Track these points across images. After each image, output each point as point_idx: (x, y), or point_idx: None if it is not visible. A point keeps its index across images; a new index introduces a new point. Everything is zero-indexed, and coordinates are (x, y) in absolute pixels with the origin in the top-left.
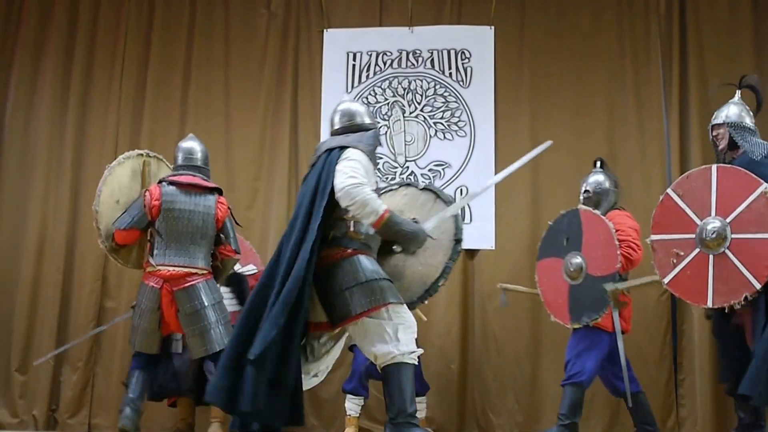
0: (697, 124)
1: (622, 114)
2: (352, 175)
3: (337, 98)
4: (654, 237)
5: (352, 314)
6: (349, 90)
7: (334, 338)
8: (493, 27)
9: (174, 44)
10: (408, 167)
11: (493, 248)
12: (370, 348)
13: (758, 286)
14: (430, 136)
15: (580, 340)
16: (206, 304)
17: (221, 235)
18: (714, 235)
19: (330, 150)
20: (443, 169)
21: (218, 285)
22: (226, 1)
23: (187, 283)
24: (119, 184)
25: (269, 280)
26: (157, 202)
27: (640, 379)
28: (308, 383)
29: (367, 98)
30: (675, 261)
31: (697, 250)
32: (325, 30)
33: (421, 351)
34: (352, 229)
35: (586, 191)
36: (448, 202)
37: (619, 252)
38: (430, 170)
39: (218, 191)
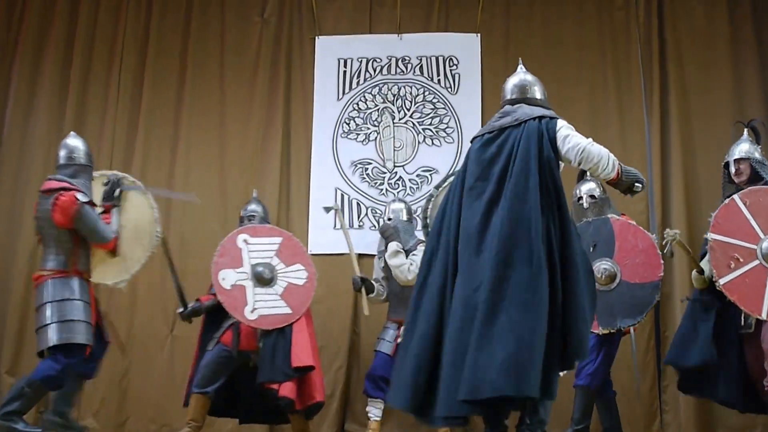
0: (677, 132)
1: (605, 121)
2: (581, 136)
3: (328, 103)
4: (714, 236)
5: None
6: (340, 96)
7: None
8: (479, 34)
9: (170, 51)
10: (396, 173)
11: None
12: None
13: None
14: (419, 141)
15: (595, 344)
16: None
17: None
18: None
19: (524, 121)
20: (431, 174)
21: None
22: (221, 9)
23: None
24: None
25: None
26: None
27: (624, 385)
28: None
29: (357, 104)
30: (733, 265)
31: (757, 262)
32: (316, 37)
33: None
34: None
35: (591, 196)
36: None
37: (662, 261)
38: (418, 176)
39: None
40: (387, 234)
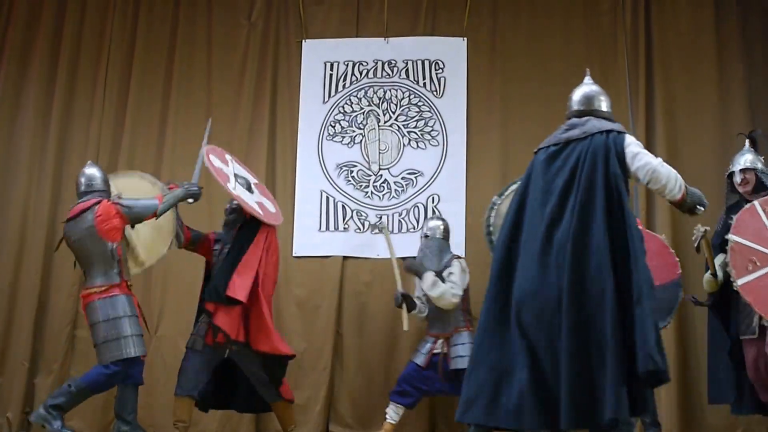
0: (663, 135)
1: None
2: (651, 155)
3: (314, 106)
4: (735, 238)
5: None
6: (326, 99)
7: None
8: (465, 39)
9: (157, 52)
10: (381, 175)
11: (463, 256)
12: None
13: None
14: (404, 144)
15: None
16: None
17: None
18: None
19: (591, 135)
20: (416, 177)
21: None
22: (209, 12)
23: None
24: None
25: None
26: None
27: None
28: None
29: (343, 107)
30: (751, 268)
31: None
32: (303, 40)
33: None
34: None
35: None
36: None
37: (677, 259)
38: (403, 178)
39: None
40: (415, 271)
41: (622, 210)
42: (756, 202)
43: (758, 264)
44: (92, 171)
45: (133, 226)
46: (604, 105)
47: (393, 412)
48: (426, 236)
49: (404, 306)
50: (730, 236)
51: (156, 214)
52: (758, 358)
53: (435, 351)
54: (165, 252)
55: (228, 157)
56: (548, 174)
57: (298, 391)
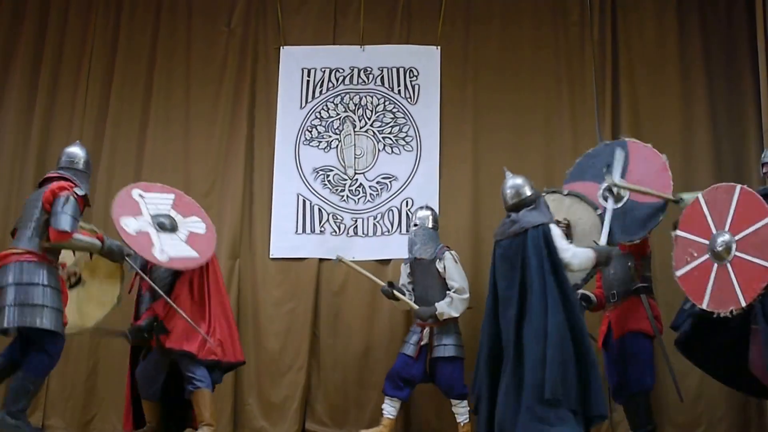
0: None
1: (558, 130)
2: (566, 247)
3: (291, 111)
4: (678, 232)
5: None
6: (303, 105)
7: None
8: (439, 47)
9: (138, 56)
10: (357, 179)
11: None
12: None
13: (744, 304)
14: (379, 150)
15: (634, 350)
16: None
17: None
18: (722, 248)
19: (526, 230)
20: (390, 181)
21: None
22: (189, 18)
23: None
24: None
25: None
26: None
27: None
28: None
29: (320, 113)
30: (688, 259)
31: (707, 256)
32: (281, 47)
33: None
34: None
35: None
36: (592, 205)
37: (671, 178)
38: (378, 183)
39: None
40: (429, 315)
41: (565, 286)
42: (700, 194)
43: (695, 255)
44: (76, 150)
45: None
46: (528, 190)
47: (390, 407)
48: (416, 225)
49: (396, 292)
50: (676, 231)
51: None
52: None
53: (423, 342)
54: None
55: (136, 194)
56: (506, 268)
57: (275, 391)
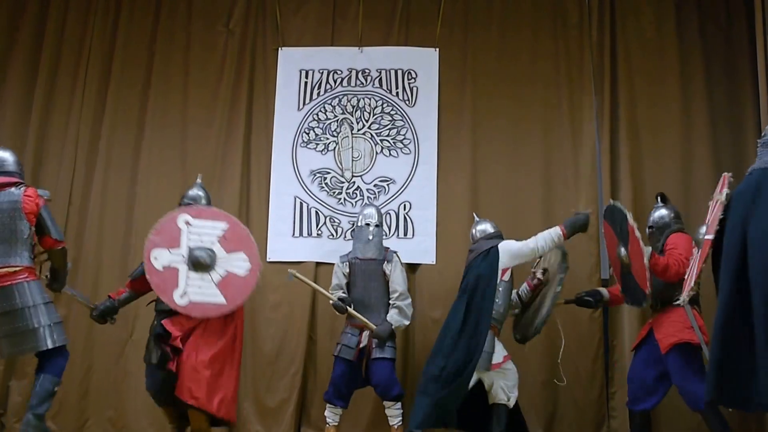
0: (626, 146)
1: (558, 136)
2: (527, 241)
3: (289, 113)
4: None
5: None
6: (301, 106)
7: None
8: (438, 49)
9: (136, 55)
10: (354, 182)
11: (434, 263)
12: None
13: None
14: (377, 152)
15: (684, 362)
16: (13, 308)
17: (40, 227)
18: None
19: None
20: (388, 184)
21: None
22: (188, 18)
23: (6, 283)
24: None
25: None
26: None
27: (574, 392)
28: None
29: (317, 114)
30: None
31: None
32: (279, 48)
33: None
34: None
35: (650, 227)
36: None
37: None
38: (375, 186)
39: (24, 185)
40: (388, 335)
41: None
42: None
43: None
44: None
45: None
46: (490, 228)
47: (334, 414)
48: (367, 224)
49: (351, 310)
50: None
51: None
52: None
53: (362, 344)
54: None
55: (182, 221)
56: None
57: (270, 395)
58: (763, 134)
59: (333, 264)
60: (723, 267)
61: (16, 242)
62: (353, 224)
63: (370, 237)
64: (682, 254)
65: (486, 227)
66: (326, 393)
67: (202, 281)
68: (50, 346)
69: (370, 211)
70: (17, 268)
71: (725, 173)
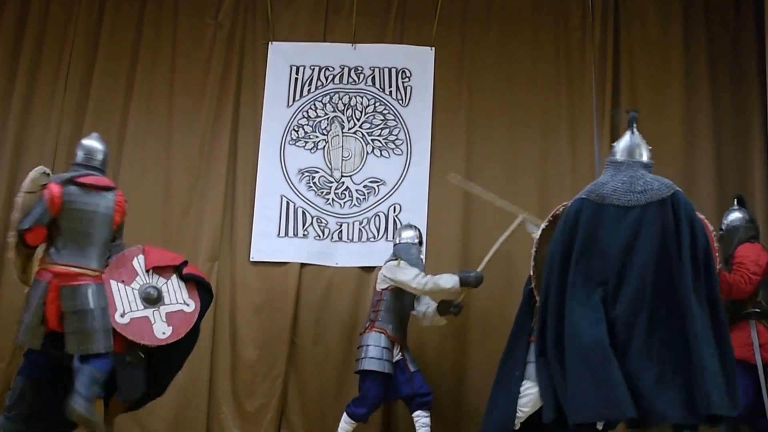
0: None
1: (556, 140)
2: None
3: (278, 110)
4: None
5: None
6: (290, 103)
7: None
8: (433, 48)
9: (121, 47)
10: (344, 182)
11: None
12: None
13: None
14: (367, 152)
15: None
16: (92, 306)
17: (116, 235)
18: None
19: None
20: (378, 186)
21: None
22: (175, 9)
23: (77, 282)
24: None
25: None
26: (59, 199)
27: None
28: None
29: (307, 112)
30: None
31: None
32: (270, 42)
33: None
34: None
35: (720, 230)
36: None
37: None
38: (365, 186)
39: (115, 189)
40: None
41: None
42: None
43: None
44: (94, 144)
45: None
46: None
47: (349, 426)
48: (418, 242)
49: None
50: None
51: None
52: None
53: (396, 358)
54: None
55: (136, 262)
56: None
57: (250, 399)
58: None
59: (318, 266)
60: None
61: (96, 245)
62: (339, 225)
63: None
64: (750, 269)
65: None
66: (358, 412)
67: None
68: (102, 351)
69: (412, 231)
70: (91, 271)
71: None
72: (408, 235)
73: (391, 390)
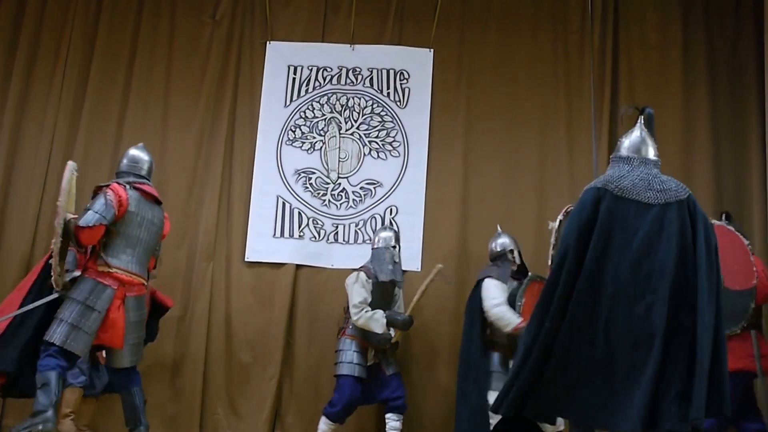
0: None
1: (554, 142)
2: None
3: (275, 110)
4: None
5: None
6: (288, 103)
7: None
8: (432, 50)
9: (118, 46)
10: (340, 184)
11: (419, 270)
12: None
13: None
14: (364, 154)
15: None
16: (144, 317)
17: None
18: None
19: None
20: (375, 187)
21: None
22: (172, 7)
23: (139, 293)
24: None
25: None
26: (126, 202)
27: None
28: None
29: (305, 112)
30: None
31: None
32: (268, 42)
33: None
34: None
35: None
36: None
37: (755, 269)
38: (361, 188)
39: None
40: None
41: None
42: None
43: None
44: (140, 154)
45: None
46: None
47: (329, 429)
48: (395, 246)
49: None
50: None
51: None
52: None
53: (370, 362)
54: None
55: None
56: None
57: (244, 400)
58: None
59: (314, 267)
60: None
61: (147, 253)
62: (335, 227)
63: (395, 259)
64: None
65: (496, 244)
66: (332, 411)
67: None
68: (138, 362)
69: (388, 233)
70: (146, 281)
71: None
72: (385, 237)
73: (367, 393)
